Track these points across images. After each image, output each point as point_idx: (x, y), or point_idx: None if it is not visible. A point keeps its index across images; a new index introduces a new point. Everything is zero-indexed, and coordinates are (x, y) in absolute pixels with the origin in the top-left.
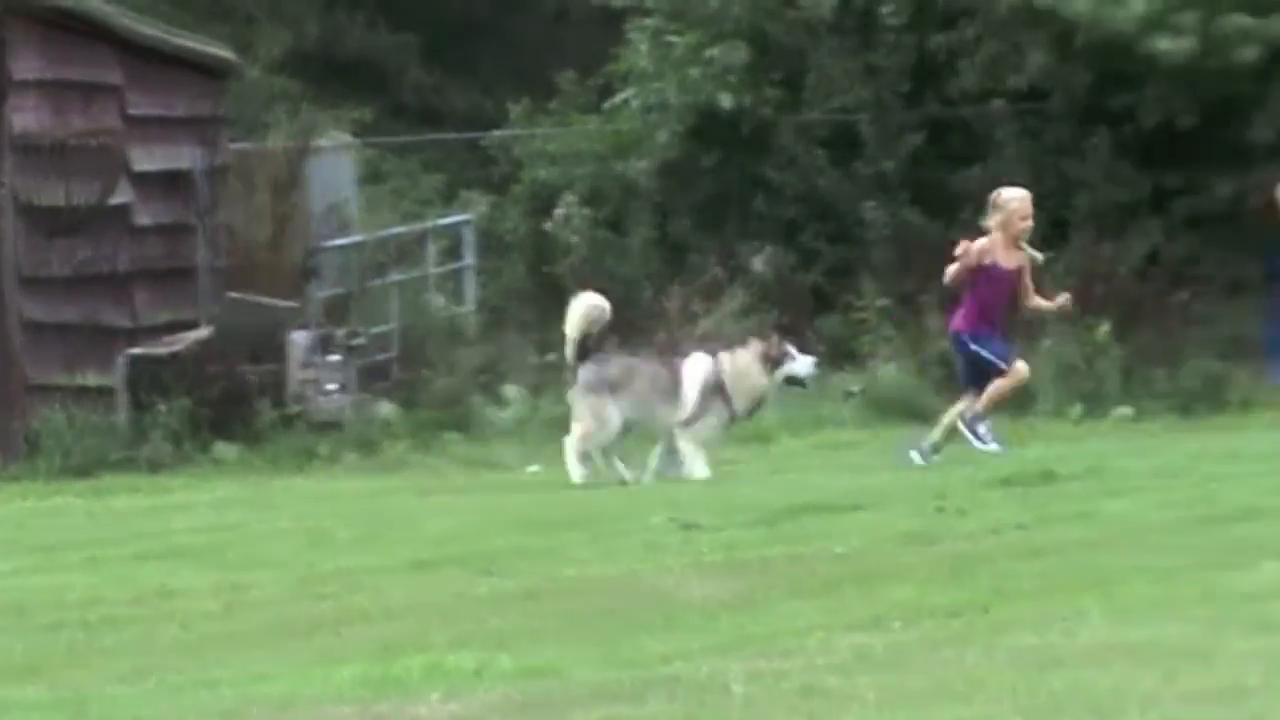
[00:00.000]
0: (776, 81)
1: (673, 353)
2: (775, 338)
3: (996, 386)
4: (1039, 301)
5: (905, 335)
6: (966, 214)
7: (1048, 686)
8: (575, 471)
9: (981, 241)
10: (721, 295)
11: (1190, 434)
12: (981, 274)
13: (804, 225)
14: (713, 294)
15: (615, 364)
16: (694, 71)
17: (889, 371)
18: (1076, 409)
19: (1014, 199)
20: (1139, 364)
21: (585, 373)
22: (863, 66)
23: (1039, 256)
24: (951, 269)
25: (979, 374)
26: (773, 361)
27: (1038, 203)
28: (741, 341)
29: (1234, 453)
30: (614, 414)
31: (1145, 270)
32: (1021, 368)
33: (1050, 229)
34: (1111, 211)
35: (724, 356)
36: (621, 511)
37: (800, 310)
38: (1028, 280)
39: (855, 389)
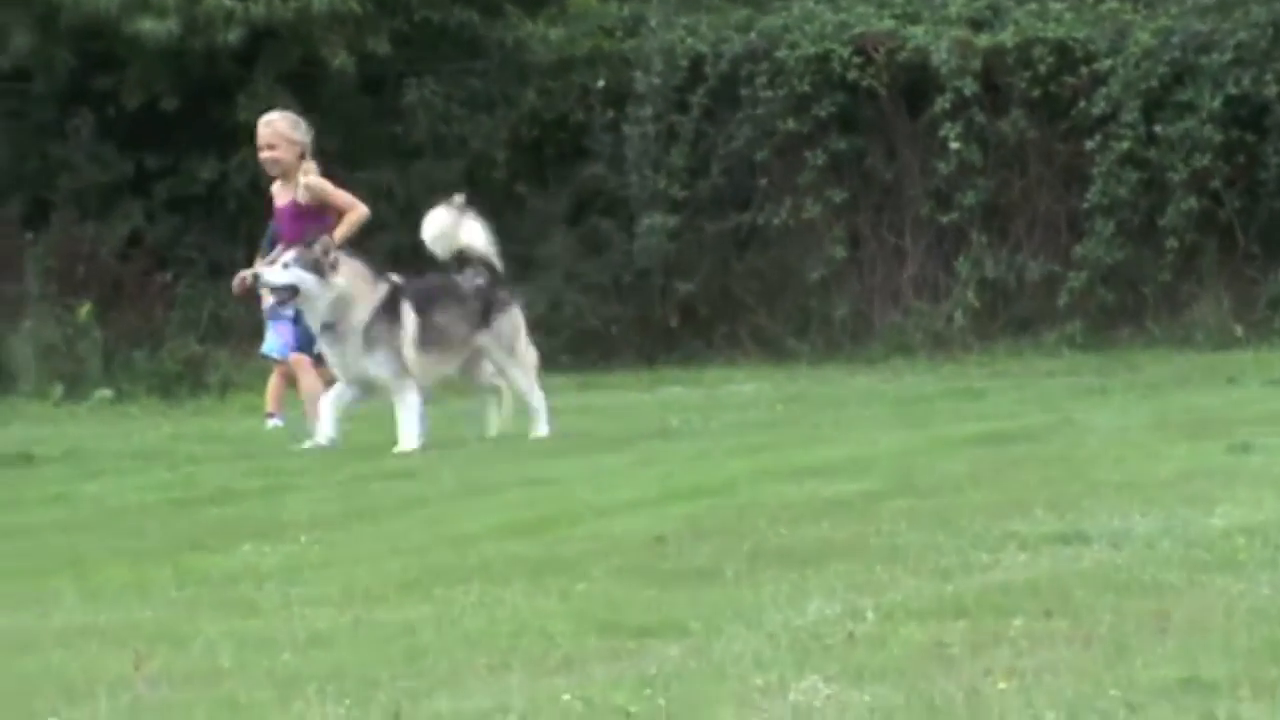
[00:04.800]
0: None
1: None
2: None
3: None
4: None
5: None
6: None
7: (19, 669)
8: None
9: None
10: None
11: (170, 416)
12: None
13: None
14: None
15: None
16: None
17: None
18: (57, 390)
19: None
20: (120, 345)
21: None
22: None
23: None
24: None
25: None
26: None
27: (20, 184)
28: None
29: (213, 435)
30: None
31: (127, 252)
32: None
33: (32, 209)
34: (94, 192)
35: None
36: None
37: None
38: None
39: None
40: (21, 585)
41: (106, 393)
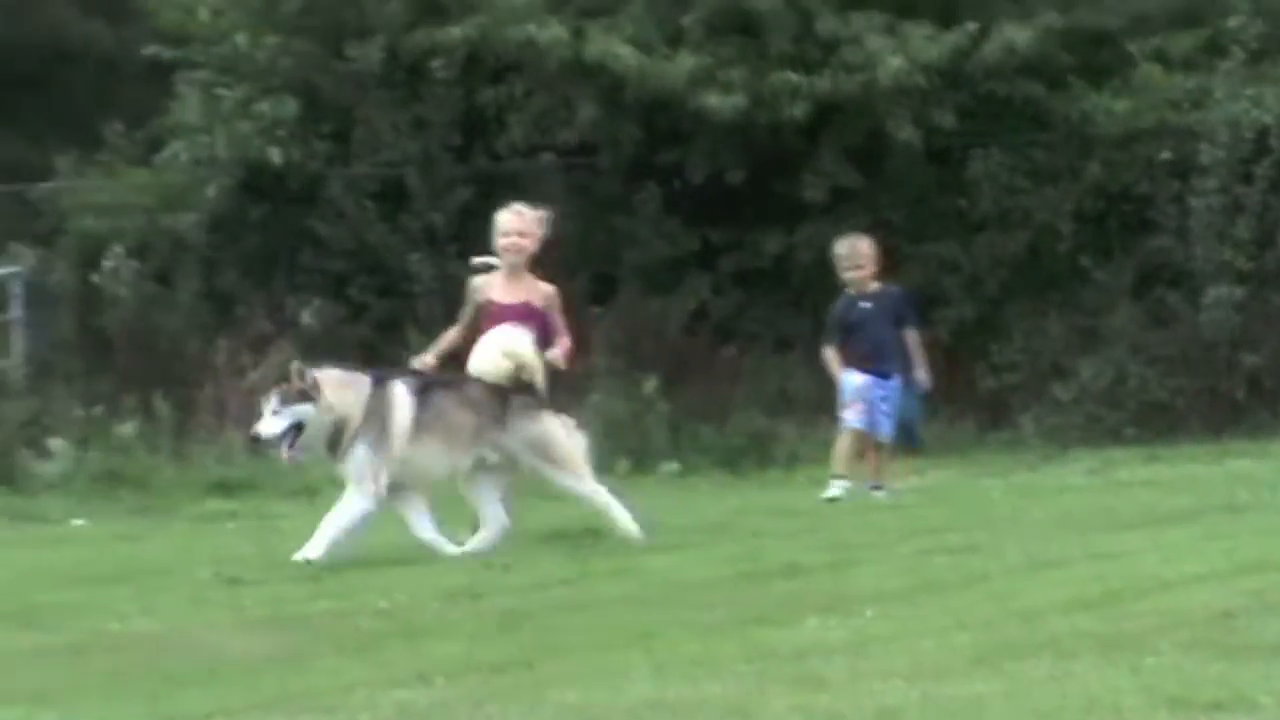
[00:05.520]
0: (326, 135)
1: None
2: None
3: None
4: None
5: None
6: None
7: None
8: None
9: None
10: (269, 348)
11: (736, 490)
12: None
13: (353, 278)
14: (260, 347)
15: None
16: (243, 125)
17: None
18: (623, 464)
19: (499, 217)
20: (686, 419)
21: None
22: (411, 119)
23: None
24: None
25: None
26: None
27: (586, 258)
28: None
29: (779, 509)
30: None
31: (693, 325)
32: None
33: (598, 284)
34: (660, 266)
35: None
36: (167, 565)
37: (348, 363)
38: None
39: None
40: (592, 659)
41: (673, 466)
